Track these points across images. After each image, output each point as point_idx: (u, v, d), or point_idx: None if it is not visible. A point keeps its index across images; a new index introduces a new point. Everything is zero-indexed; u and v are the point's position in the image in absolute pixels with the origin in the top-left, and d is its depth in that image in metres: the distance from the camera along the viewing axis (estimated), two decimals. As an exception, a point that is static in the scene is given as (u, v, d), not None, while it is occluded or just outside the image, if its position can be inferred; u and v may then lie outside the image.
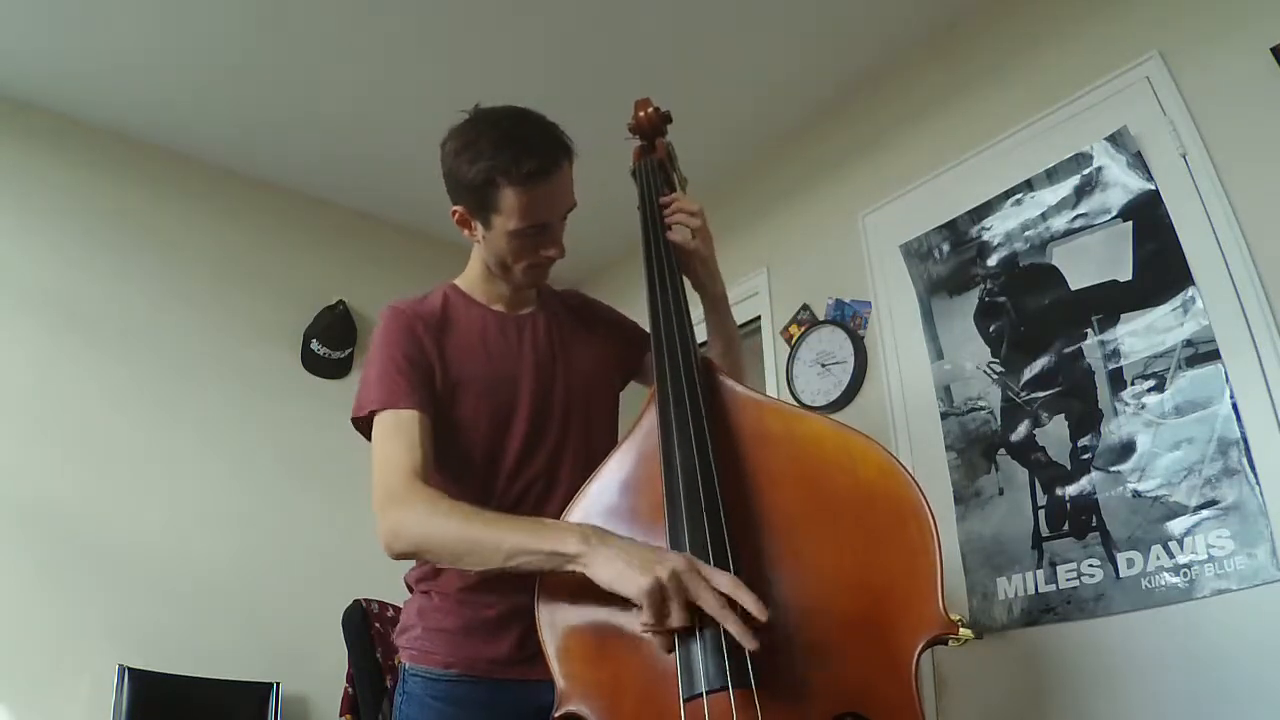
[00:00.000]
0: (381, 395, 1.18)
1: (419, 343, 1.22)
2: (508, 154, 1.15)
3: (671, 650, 0.88)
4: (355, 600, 1.93)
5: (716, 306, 1.38)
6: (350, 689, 1.96)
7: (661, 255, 1.29)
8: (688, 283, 1.31)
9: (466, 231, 1.28)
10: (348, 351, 3.24)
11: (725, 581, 0.87)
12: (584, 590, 0.94)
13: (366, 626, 1.89)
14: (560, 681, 0.96)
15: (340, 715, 2.02)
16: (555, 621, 1.00)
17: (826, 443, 1.01)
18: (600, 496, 1.09)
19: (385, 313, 1.27)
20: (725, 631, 0.85)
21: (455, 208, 1.25)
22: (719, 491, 0.96)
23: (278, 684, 2.61)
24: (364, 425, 1.21)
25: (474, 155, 1.17)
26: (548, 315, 1.36)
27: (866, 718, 0.85)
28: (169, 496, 2.70)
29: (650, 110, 1.47)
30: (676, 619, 0.87)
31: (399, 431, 1.15)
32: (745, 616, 0.85)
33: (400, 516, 1.08)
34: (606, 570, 0.91)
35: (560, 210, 1.23)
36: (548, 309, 1.38)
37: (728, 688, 0.84)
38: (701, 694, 0.85)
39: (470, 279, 1.35)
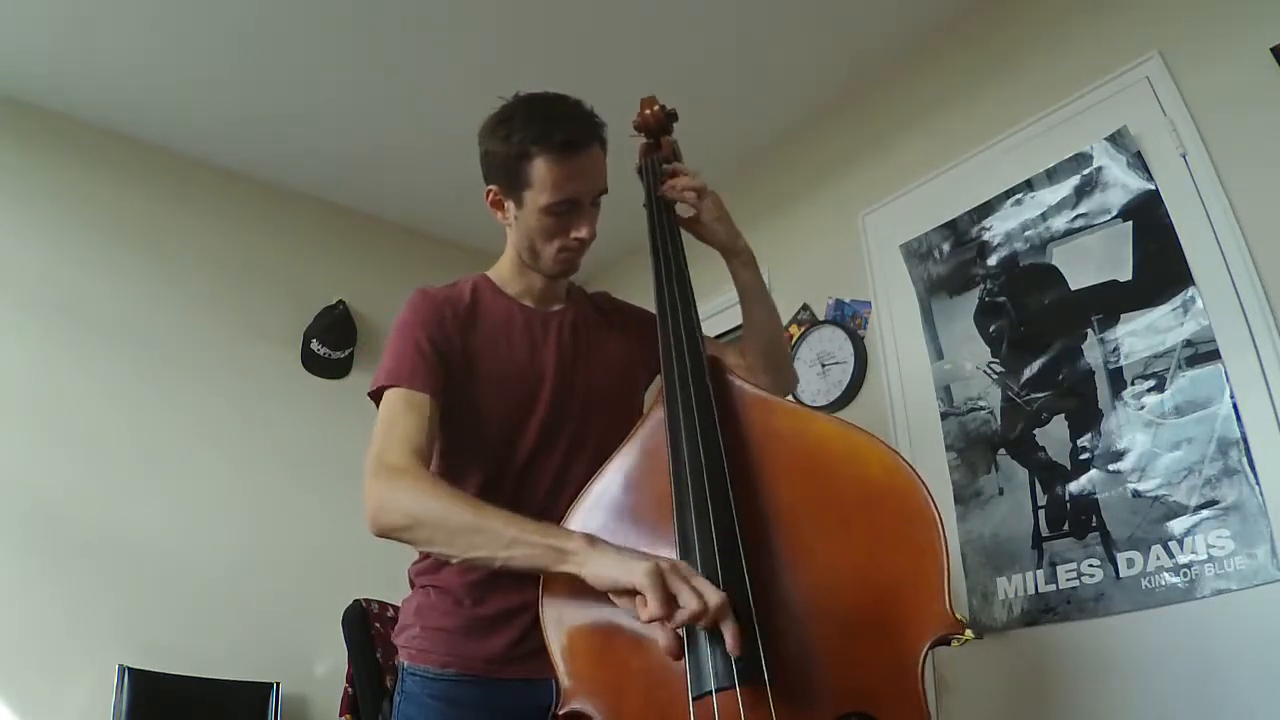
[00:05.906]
0: (398, 372, 1.17)
1: (444, 327, 1.22)
2: (542, 125, 1.17)
3: (679, 656, 0.86)
4: (355, 600, 1.92)
5: (747, 265, 1.37)
6: (350, 689, 1.96)
7: (668, 251, 1.28)
8: (694, 275, 1.30)
9: (499, 214, 1.29)
10: (348, 351, 3.23)
11: (715, 596, 0.85)
12: (589, 588, 0.94)
13: (366, 626, 1.88)
14: (564, 679, 0.95)
15: (340, 715, 2.01)
16: (560, 619, 0.99)
17: (834, 441, 1.01)
18: (604, 493, 1.08)
19: (414, 294, 1.27)
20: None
21: (489, 188, 1.27)
22: (728, 481, 0.96)
23: (278, 684, 2.61)
24: (379, 401, 1.20)
25: (509, 130, 1.19)
26: (575, 313, 1.36)
27: (873, 716, 0.85)
28: (169, 496, 2.70)
29: (656, 108, 1.47)
30: (688, 601, 0.82)
31: (409, 409, 1.14)
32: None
33: (394, 487, 1.04)
34: (603, 564, 0.90)
35: (592, 188, 1.23)
36: (576, 307, 1.38)
37: (736, 685, 0.83)
38: (710, 692, 0.84)
39: (501, 271, 1.35)
